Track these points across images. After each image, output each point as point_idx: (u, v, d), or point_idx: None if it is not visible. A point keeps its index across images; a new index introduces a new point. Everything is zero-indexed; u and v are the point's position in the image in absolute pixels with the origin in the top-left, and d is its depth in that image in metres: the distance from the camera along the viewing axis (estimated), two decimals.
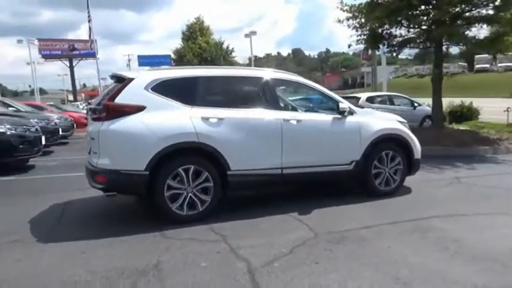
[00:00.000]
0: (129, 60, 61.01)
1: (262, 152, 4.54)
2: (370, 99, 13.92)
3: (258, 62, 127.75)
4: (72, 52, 56.46)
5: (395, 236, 3.81)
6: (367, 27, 10.76)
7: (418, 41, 11.10)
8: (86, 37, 52.63)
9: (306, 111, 5.48)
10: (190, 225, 4.11)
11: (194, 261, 3.26)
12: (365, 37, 10.99)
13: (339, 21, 11.06)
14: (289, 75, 5.10)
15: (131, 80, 4.21)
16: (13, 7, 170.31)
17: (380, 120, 5.32)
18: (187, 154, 4.22)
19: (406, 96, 15.24)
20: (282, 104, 4.95)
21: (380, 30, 10.83)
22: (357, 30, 10.79)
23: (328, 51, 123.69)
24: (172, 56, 34.91)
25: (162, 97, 4.21)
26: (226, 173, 4.34)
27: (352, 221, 4.26)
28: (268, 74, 4.89)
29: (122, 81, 4.30)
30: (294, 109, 5.31)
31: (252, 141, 4.48)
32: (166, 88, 4.26)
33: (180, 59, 32.79)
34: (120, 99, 4.09)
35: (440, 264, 3.16)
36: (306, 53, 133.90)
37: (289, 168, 4.67)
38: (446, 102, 14.17)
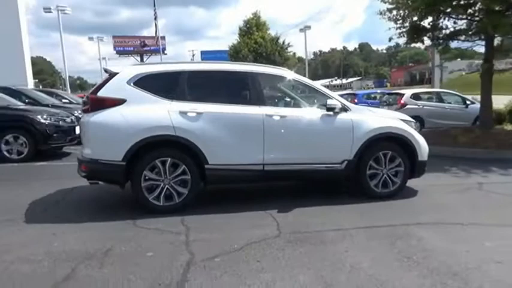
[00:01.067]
0: (193, 55, 63.52)
1: (243, 147, 4.52)
2: (416, 97, 13.06)
3: (322, 56, 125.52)
4: (143, 48, 60.07)
5: (361, 240, 3.60)
6: (408, 20, 10.10)
7: (469, 33, 10.19)
8: (159, 34, 55.56)
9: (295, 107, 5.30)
10: (165, 216, 4.23)
11: (143, 251, 3.36)
12: (405, 30, 10.31)
13: (380, 13, 10.52)
14: (276, 70, 5.00)
15: (115, 74, 4.42)
16: (96, 7, 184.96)
17: (378, 118, 5.01)
18: (165, 147, 4.34)
19: (458, 93, 14.06)
20: (271, 99, 4.87)
21: (422, 23, 10.09)
22: (395, 23, 10.16)
23: (397, 45, 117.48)
24: (229, 51, 35.51)
25: (143, 91, 4.37)
26: (204, 167, 4.40)
27: (328, 222, 4.09)
28: (252, 68, 4.83)
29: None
30: (297, 105, 5.15)
31: (231, 136, 4.48)
32: (147, 82, 4.41)
33: (236, 54, 33.29)
34: (102, 93, 4.32)
35: (390, 274, 2.94)
36: (374, 47, 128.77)
37: (271, 164, 4.60)
38: (505, 100, 12.89)
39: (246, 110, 4.55)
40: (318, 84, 5.11)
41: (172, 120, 4.29)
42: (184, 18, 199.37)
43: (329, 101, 4.70)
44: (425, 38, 10.90)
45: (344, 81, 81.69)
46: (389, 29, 10.46)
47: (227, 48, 37.78)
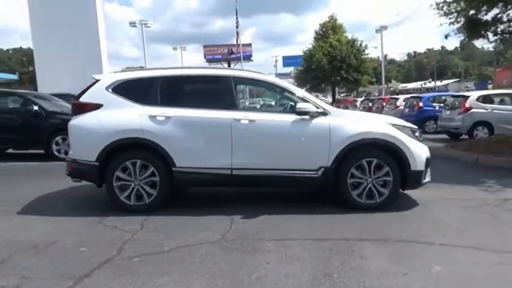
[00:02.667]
0: (276, 61, 64.32)
1: (210, 151, 4.54)
2: (486, 99, 11.59)
3: (417, 57, 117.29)
4: (230, 56, 62.79)
5: (294, 253, 3.37)
6: (463, 14, 9.05)
7: None
8: (247, 41, 57.50)
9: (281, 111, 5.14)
10: (132, 215, 4.44)
11: (79, 245, 3.59)
12: (460, 24, 9.26)
13: (437, 6, 9.55)
14: (252, 74, 4.89)
15: (97, 81, 4.79)
16: (193, 19, 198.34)
17: (360, 123, 4.62)
18: (135, 149, 4.57)
19: None
20: (244, 103, 4.79)
21: (480, 16, 8.96)
22: (447, 17, 9.18)
23: (504, 39, 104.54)
24: (304, 55, 35.26)
25: (119, 96, 4.65)
26: (171, 169, 4.52)
27: (280, 231, 3.93)
28: (225, 73, 4.82)
29: None
30: (272, 109, 5.04)
31: (199, 140, 4.54)
32: (123, 88, 4.69)
33: (310, 58, 32.93)
34: (84, 98, 4.71)
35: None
36: (479, 44, 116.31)
37: (239, 169, 4.53)
38: None
39: (214, 114, 4.56)
40: (294, 88, 4.86)
41: (142, 123, 4.49)
42: (274, 25, 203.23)
43: (299, 105, 4.48)
44: (489, 33, 9.66)
45: (438, 83, 75.31)
46: (441, 24, 9.50)
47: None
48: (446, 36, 10.08)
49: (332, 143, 4.50)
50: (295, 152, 4.56)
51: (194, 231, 3.96)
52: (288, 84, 4.91)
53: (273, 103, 6.00)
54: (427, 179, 4.87)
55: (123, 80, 4.75)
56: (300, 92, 4.81)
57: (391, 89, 68.45)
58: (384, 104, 18.43)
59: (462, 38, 9.77)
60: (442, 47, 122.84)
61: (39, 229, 4.11)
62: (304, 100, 4.64)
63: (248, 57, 60.62)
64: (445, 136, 12.69)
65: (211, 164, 4.54)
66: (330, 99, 42.89)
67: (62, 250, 3.51)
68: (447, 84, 74.41)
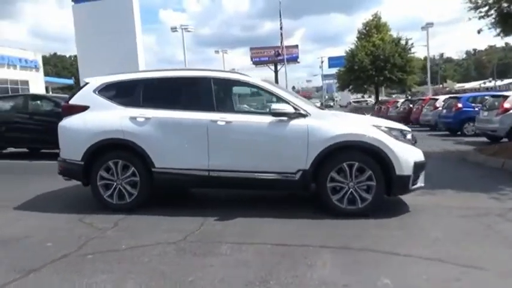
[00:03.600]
0: (322, 62, 63.45)
1: (188, 152, 4.56)
2: None
3: (477, 55, 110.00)
4: (277, 58, 62.83)
5: (246, 257, 3.29)
6: (496, 6, 8.35)
7: None
8: (296, 43, 57.22)
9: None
10: (113, 214, 4.56)
11: (48, 241, 3.75)
12: (492, 18, 8.54)
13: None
14: (232, 75, 4.84)
15: (87, 84, 4.99)
16: (242, 22, 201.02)
17: (341, 125, 4.40)
18: (117, 149, 4.70)
19: None
20: (223, 104, 4.74)
21: None
22: (475, 11, 8.50)
23: None
24: (346, 55, 34.33)
25: (104, 99, 4.81)
26: (151, 170, 4.59)
27: (244, 234, 3.85)
28: (205, 74, 4.80)
29: None
30: (251, 110, 4.93)
31: (177, 141, 4.57)
32: (109, 91, 4.85)
33: (352, 58, 32.00)
34: (73, 101, 4.93)
35: None
36: None
37: (216, 171, 4.51)
38: None
39: (192, 116, 4.57)
40: (275, 89, 4.72)
41: (122, 124, 4.62)
42: (324, 26, 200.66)
43: (274, 106, 4.36)
44: None
45: (499, 82, 69.99)
46: (470, 19, 8.82)
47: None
48: (479, 32, 9.34)
49: (310, 146, 4.34)
50: (272, 154, 4.45)
51: (162, 231, 4.00)
52: (268, 85, 4.76)
53: (240, 104, 5.81)
54: (419, 184, 4.54)
55: (108, 83, 4.91)
56: (282, 92, 4.66)
57: (447, 89, 64.63)
58: (423, 104, 17.46)
59: (497, 32, 8.93)
60: (506, 44, 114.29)
61: (26, 224, 4.35)
62: (283, 101, 4.51)
63: (294, 59, 60.29)
64: (484, 139, 11.76)
65: (189, 165, 4.55)
66: (373, 100, 41.47)
67: (29, 245, 3.70)
68: (509, 83, 68.99)
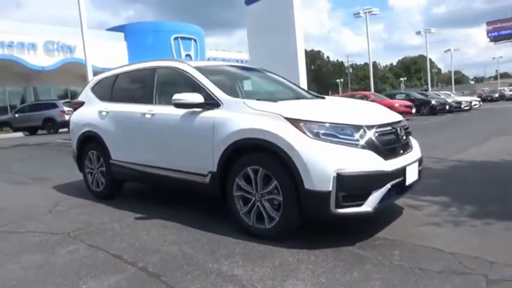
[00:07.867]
0: None
1: (130, 146, 4.48)
2: None
3: None
4: None
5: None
6: None
7: None
8: None
9: None
10: (87, 199, 4.99)
11: (23, 228, 4.20)
12: None
13: None
14: (169, 62, 4.29)
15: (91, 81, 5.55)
16: None
17: (251, 118, 3.33)
18: (92, 141, 5.04)
19: None
20: (163, 95, 4.30)
21: None
22: None
23: None
24: None
25: (93, 94, 5.25)
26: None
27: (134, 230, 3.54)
28: (149, 64, 4.50)
29: None
30: None
31: (123, 135, 4.56)
32: (97, 87, 5.26)
33: None
34: (79, 97, 5.58)
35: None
36: None
37: (147, 166, 4.27)
38: None
39: (134, 109, 4.45)
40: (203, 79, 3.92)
41: (92, 118, 4.96)
42: None
43: (175, 96, 3.69)
44: None
45: None
46: None
47: None
48: None
49: (215, 143, 3.54)
50: (183, 151, 3.86)
51: (77, 221, 4.11)
52: (194, 71, 3.97)
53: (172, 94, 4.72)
54: (363, 208, 3.01)
55: (98, 80, 5.34)
56: (203, 79, 3.86)
57: None
58: None
59: None
60: None
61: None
62: (201, 89, 3.79)
63: None
64: None
65: (133, 159, 4.48)
66: None
67: (8, 233, 4.13)
68: None
